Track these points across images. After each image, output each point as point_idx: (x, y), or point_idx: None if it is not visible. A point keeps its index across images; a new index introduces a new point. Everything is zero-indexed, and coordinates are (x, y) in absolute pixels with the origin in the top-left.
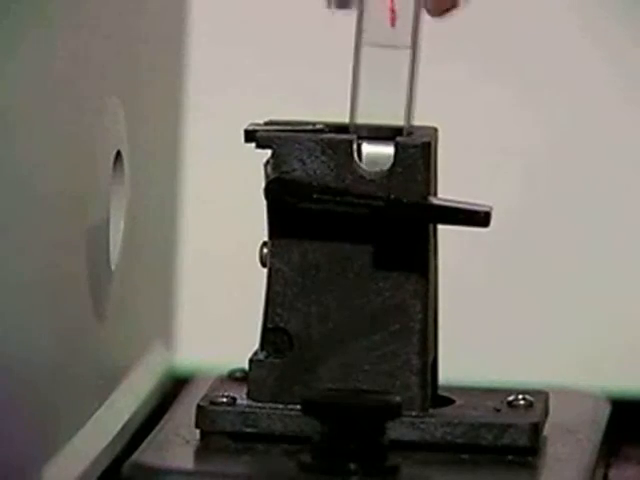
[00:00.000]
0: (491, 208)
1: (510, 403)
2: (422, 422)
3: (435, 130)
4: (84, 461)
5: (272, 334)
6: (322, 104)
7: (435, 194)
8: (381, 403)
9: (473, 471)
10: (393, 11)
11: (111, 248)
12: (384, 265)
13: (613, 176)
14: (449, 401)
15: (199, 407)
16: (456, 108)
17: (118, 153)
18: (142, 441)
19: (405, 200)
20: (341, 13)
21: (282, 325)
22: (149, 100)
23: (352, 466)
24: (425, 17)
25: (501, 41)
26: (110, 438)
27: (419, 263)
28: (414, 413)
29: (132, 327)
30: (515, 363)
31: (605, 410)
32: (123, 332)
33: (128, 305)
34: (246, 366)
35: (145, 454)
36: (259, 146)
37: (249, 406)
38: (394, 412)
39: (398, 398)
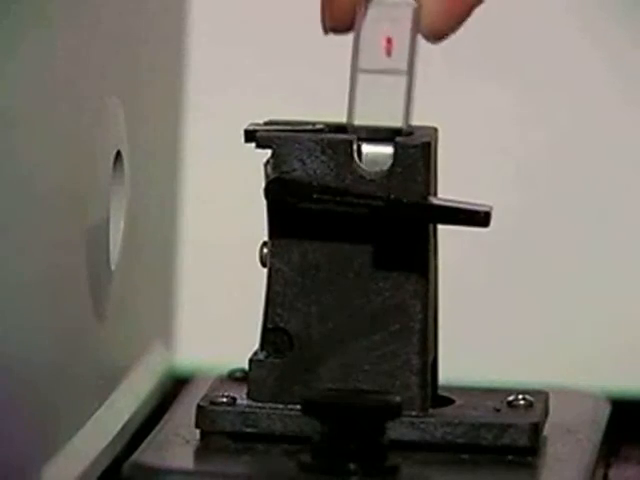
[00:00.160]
0: (491, 208)
1: (510, 403)
2: (422, 422)
3: (435, 130)
4: (84, 461)
5: (272, 334)
6: (322, 104)
7: (435, 194)
8: (381, 403)
9: (473, 471)
10: (389, 41)
11: (111, 248)
12: (384, 265)
13: (613, 176)
14: (449, 401)
15: (199, 407)
16: (456, 108)
17: (118, 153)
18: (142, 441)
19: (405, 200)
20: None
21: (282, 325)
22: (149, 100)
23: (352, 466)
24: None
25: (501, 41)
26: (110, 438)
27: (419, 263)
28: (414, 413)
29: (132, 327)
30: (515, 363)
31: (605, 410)
32: (123, 332)
33: (128, 305)
34: (246, 366)
35: (145, 454)
36: (259, 146)
37: (249, 406)
38: (394, 412)
39: (398, 398)
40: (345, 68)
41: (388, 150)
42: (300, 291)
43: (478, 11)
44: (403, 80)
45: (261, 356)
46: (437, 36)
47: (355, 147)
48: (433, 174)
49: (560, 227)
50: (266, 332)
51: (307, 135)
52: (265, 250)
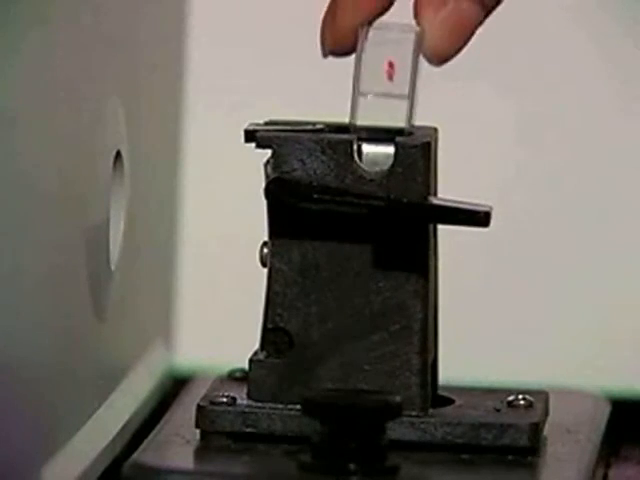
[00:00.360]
0: (491, 208)
1: (510, 403)
2: (422, 422)
3: (435, 130)
4: (84, 461)
5: (272, 334)
6: (322, 104)
7: (435, 194)
8: (381, 403)
9: (473, 471)
10: (391, 65)
11: (111, 248)
12: (384, 265)
13: (613, 176)
14: (449, 401)
15: (199, 407)
16: (456, 108)
17: (118, 153)
18: (142, 441)
19: (405, 200)
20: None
21: (282, 325)
22: (149, 100)
23: (352, 466)
24: None
25: (501, 41)
26: (110, 438)
27: (419, 263)
28: (414, 413)
29: (132, 327)
30: (515, 363)
31: (605, 410)
32: (123, 332)
33: (128, 305)
34: (246, 366)
35: (145, 454)
36: (259, 146)
37: (249, 406)
38: (394, 412)
39: (398, 398)
40: (345, 68)
41: (388, 150)
42: (300, 291)
43: None
44: (404, 104)
45: (261, 356)
46: (440, 59)
47: (355, 147)
48: (433, 174)
49: (560, 227)
50: (266, 332)
51: (307, 135)
52: (265, 250)
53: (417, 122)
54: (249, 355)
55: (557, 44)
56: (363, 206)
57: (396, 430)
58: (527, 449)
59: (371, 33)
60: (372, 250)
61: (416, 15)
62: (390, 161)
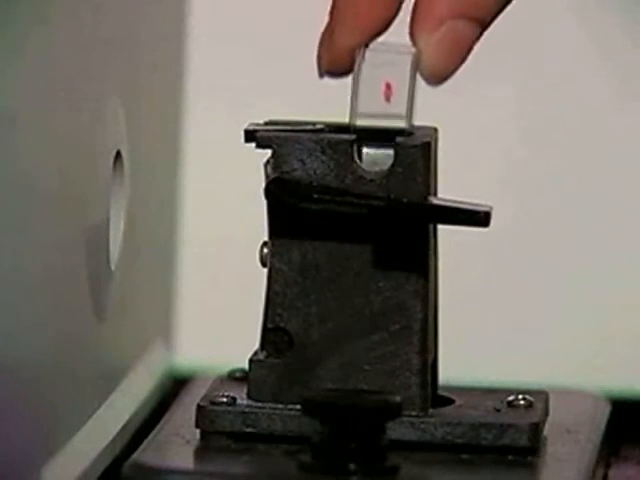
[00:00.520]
0: (491, 208)
1: (510, 403)
2: (422, 422)
3: (435, 130)
4: (84, 461)
5: (272, 334)
6: (322, 104)
7: (435, 194)
8: (381, 403)
9: (473, 471)
10: (389, 86)
11: (111, 248)
12: (384, 265)
13: (613, 176)
14: (449, 401)
15: (199, 407)
16: (456, 108)
17: (118, 153)
18: (142, 441)
19: (405, 200)
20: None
21: (282, 325)
22: (149, 100)
23: (352, 466)
24: None
25: (501, 41)
26: (110, 438)
27: (419, 263)
28: (414, 413)
29: (132, 327)
30: (515, 363)
31: (605, 410)
32: (123, 332)
33: (128, 305)
34: (246, 366)
35: (145, 454)
36: (259, 146)
37: (249, 406)
38: (394, 412)
39: (398, 398)
40: None
41: (388, 150)
42: (300, 291)
43: None
44: (402, 122)
45: (261, 356)
46: (438, 79)
47: (355, 147)
48: (433, 174)
49: (560, 227)
50: (266, 332)
51: (307, 135)
52: (265, 250)
53: (417, 122)
54: (249, 355)
55: (557, 44)
56: (363, 206)
57: (396, 430)
58: (527, 449)
59: (368, 54)
60: (372, 250)
61: (412, 35)
62: (390, 161)
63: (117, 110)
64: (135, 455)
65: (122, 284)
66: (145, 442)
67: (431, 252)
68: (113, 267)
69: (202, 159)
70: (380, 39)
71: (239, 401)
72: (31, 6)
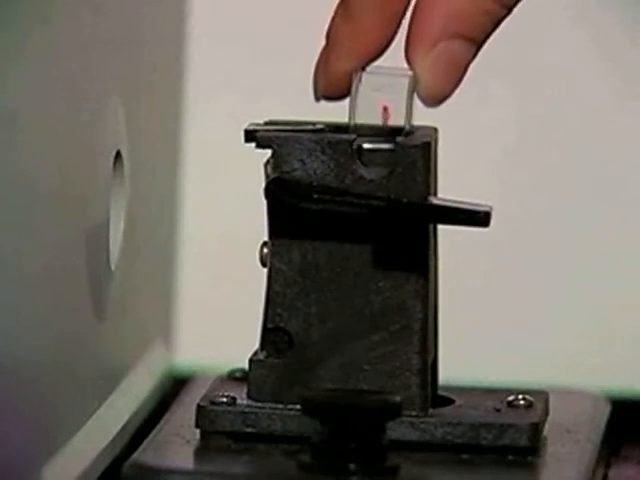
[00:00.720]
0: (491, 208)
1: (510, 403)
2: (422, 422)
3: (435, 130)
4: (84, 461)
5: (272, 334)
6: (322, 104)
7: (435, 194)
8: (381, 403)
9: (473, 471)
10: (386, 109)
11: (111, 248)
12: (384, 265)
13: (613, 176)
14: (449, 401)
15: (199, 407)
16: (456, 108)
17: (118, 153)
18: (142, 441)
19: (405, 200)
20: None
21: (282, 325)
22: (149, 100)
23: (352, 466)
24: None
25: (501, 41)
26: (110, 438)
27: (419, 263)
28: (414, 413)
29: (132, 327)
30: (515, 363)
31: (605, 410)
32: (123, 332)
33: (128, 305)
34: (246, 366)
35: (145, 454)
36: (259, 146)
37: (249, 406)
38: (394, 412)
39: (398, 398)
40: None
41: (388, 150)
42: (300, 291)
43: None
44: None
45: (261, 356)
46: (435, 101)
47: (355, 147)
48: (433, 174)
49: (560, 227)
50: (266, 332)
51: (307, 135)
52: (265, 250)
53: (418, 121)
54: (249, 355)
55: (557, 44)
56: (363, 206)
57: (396, 430)
58: (527, 449)
59: (365, 77)
60: (372, 250)
61: (407, 58)
62: (390, 161)
63: (117, 110)
64: (135, 455)
65: (122, 284)
66: (145, 442)
67: (431, 252)
68: (113, 267)
69: (202, 159)
70: (376, 62)
71: (239, 401)
72: (32, 6)
